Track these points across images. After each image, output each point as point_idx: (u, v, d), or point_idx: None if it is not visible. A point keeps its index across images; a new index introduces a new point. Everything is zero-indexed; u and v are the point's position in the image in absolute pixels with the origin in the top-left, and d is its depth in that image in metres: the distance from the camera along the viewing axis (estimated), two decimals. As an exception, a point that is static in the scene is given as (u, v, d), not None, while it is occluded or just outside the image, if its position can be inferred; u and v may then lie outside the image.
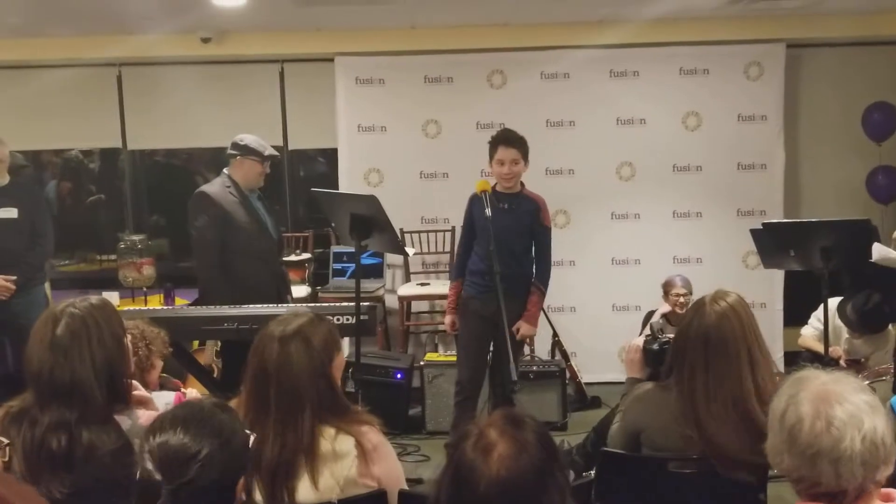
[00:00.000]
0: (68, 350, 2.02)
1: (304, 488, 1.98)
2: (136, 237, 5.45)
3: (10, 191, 4.44)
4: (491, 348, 3.92)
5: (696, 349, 2.26)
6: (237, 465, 1.64)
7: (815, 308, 4.41)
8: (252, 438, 1.70)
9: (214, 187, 4.09)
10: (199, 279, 4.21)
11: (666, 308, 4.72)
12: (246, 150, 4.04)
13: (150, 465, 1.56)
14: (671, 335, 2.46)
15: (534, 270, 3.90)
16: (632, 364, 2.58)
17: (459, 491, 1.40)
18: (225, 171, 4.14)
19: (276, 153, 4.22)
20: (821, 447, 1.41)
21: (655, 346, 2.53)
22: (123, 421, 2.06)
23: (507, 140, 3.80)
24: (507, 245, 3.66)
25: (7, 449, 1.71)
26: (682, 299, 4.62)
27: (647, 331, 2.67)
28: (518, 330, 3.79)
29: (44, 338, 2.04)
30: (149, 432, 1.61)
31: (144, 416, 2.11)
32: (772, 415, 1.51)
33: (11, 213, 4.38)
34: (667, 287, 4.74)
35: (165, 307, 4.82)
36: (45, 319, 2.08)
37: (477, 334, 3.87)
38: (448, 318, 4.00)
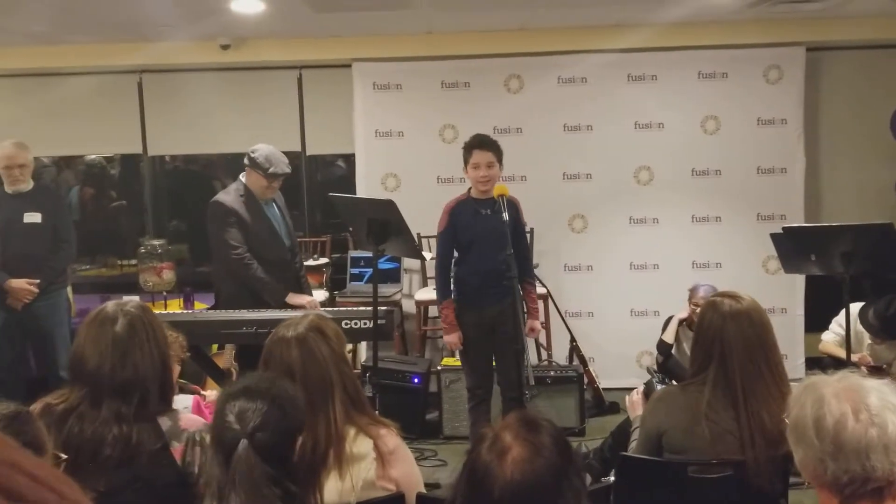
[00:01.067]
0: (129, 347, 2.06)
1: (327, 489, 1.99)
2: (156, 242, 5.50)
3: (33, 196, 4.52)
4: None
5: (738, 339, 2.30)
6: (293, 425, 1.72)
7: (837, 313, 4.36)
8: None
9: (228, 195, 4.13)
10: (214, 282, 4.25)
11: (684, 314, 4.70)
12: (252, 164, 4.05)
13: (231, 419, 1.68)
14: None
15: (517, 270, 3.90)
16: (634, 405, 2.76)
17: (474, 494, 1.40)
18: (241, 176, 4.18)
19: (284, 171, 4.07)
20: (870, 439, 1.40)
21: (656, 380, 2.72)
22: (164, 422, 2.08)
23: (483, 143, 3.79)
24: (496, 249, 3.63)
25: (62, 465, 1.70)
26: (699, 309, 4.59)
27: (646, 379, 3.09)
28: (532, 330, 3.92)
29: (101, 336, 2.06)
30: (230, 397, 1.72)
31: (184, 419, 2.12)
32: (798, 428, 1.48)
33: (35, 217, 4.45)
34: (691, 293, 4.72)
35: (184, 311, 4.86)
36: (99, 319, 2.09)
37: (477, 342, 3.85)
38: (454, 336, 3.84)
